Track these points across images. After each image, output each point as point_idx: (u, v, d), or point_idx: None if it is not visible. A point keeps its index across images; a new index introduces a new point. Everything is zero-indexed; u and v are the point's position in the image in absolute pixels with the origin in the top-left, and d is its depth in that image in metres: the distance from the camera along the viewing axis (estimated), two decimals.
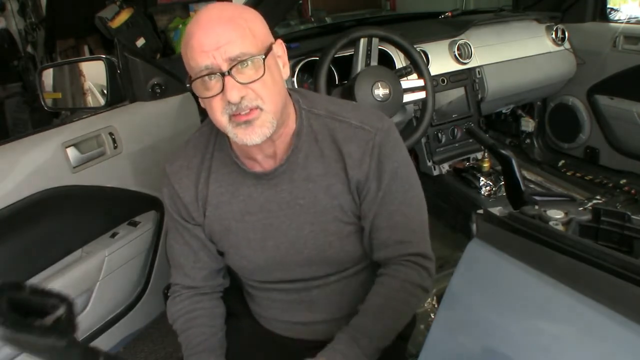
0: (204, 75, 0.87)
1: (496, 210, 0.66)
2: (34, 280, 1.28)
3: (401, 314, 1.00)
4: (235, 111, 0.88)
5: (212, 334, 1.09)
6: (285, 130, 0.97)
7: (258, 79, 0.87)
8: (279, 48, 0.95)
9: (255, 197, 1.01)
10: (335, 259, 1.05)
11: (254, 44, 0.87)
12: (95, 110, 1.44)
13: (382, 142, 0.98)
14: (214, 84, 0.88)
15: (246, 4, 1.25)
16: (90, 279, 1.39)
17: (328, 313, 1.12)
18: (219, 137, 1.04)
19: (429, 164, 2.15)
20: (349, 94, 1.68)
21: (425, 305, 1.65)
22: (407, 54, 1.81)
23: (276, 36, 1.01)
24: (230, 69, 0.86)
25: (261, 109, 0.89)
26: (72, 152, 1.29)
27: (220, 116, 0.90)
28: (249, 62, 0.87)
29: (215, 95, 0.88)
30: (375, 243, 1.03)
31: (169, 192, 1.06)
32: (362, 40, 1.76)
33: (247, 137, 0.90)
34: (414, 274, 1.02)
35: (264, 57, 0.88)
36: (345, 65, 1.80)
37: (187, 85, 0.93)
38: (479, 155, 2.21)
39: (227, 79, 0.86)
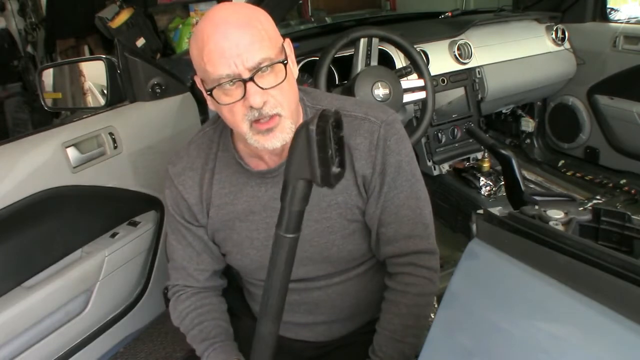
0: (224, 83, 0.85)
1: (496, 210, 0.66)
2: (34, 281, 1.28)
3: (421, 328, 1.01)
4: (258, 117, 0.87)
5: (227, 327, 1.10)
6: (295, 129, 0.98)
7: (279, 84, 0.87)
8: (287, 47, 0.95)
9: (260, 196, 1.01)
10: (336, 258, 1.04)
11: (271, 48, 0.87)
12: (95, 110, 1.44)
13: (387, 135, 0.98)
14: (234, 90, 0.86)
15: (247, 2, 1.25)
16: (90, 279, 1.39)
17: (329, 315, 1.12)
18: (223, 138, 1.03)
19: (429, 164, 2.15)
20: (349, 94, 1.68)
21: None
22: (407, 54, 1.81)
23: None
24: (253, 75, 0.85)
25: (280, 115, 0.89)
26: (72, 152, 1.29)
27: (241, 122, 0.88)
28: (269, 68, 0.86)
29: (235, 102, 0.87)
30: (383, 239, 1.03)
31: (172, 194, 1.06)
32: (362, 40, 1.76)
33: (268, 142, 0.89)
34: (425, 283, 1.01)
35: (285, 61, 0.88)
36: (345, 65, 1.80)
37: (206, 91, 0.89)
38: (479, 155, 2.21)
39: (249, 84, 0.85)
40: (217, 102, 0.89)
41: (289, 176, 0.65)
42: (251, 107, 0.86)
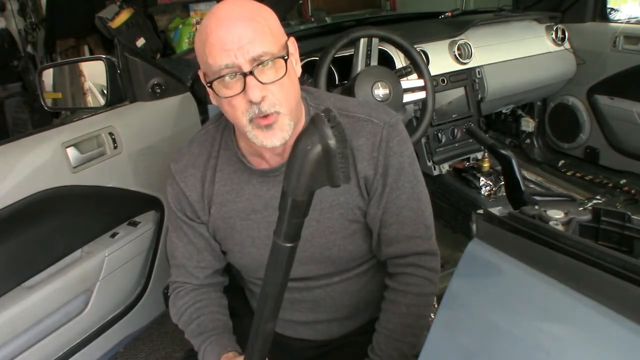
0: (224, 75, 0.86)
1: (496, 210, 0.66)
2: (34, 281, 1.28)
3: (421, 328, 1.01)
4: (258, 114, 0.87)
5: (226, 321, 1.09)
6: (295, 128, 0.98)
7: (279, 79, 0.87)
8: (292, 46, 0.95)
9: (261, 194, 1.01)
10: (337, 258, 1.05)
11: (273, 43, 0.87)
12: (95, 110, 1.44)
13: (390, 136, 0.98)
14: (234, 83, 0.87)
15: None
16: (90, 279, 1.39)
17: (329, 313, 1.12)
18: (225, 135, 1.03)
19: (429, 164, 2.15)
20: (349, 94, 1.68)
21: None
22: (407, 54, 1.81)
23: None
24: (253, 68, 0.85)
25: (279, 113, 0.89)
26: (72, 152, 1.29)
27: (241, 117, 0.89)
28: (270, 62, 0.86)
29: (235, 95, 0.87)
30: (384, 239, 1.03)
31: (174, 191, 1.06)
32: (362, 40, 1.76)
33: (268, 140, 0.89)
34: (425, 284, 1.02)
35: (286, 57, 0.88)
36: (345, 65, 1.80)
37: (207, 83, 0.89)
38: (479, 155, 2.21)
39: (249, 78, 0.85)
40: (217, 95, 0.89)
41: (292, 192, 0.61)
42: (251, 102, 0.86)
